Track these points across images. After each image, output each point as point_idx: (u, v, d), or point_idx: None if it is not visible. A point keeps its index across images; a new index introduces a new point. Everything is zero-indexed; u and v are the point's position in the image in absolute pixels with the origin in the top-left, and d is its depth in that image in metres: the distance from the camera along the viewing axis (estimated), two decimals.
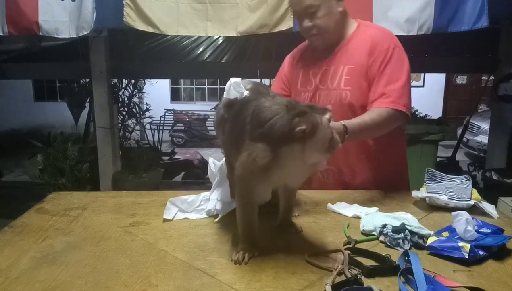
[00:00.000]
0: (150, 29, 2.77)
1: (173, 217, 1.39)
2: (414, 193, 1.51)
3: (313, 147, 1.02)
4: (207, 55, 4.80)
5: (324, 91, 1.57)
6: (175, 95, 11.30)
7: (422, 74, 10.38)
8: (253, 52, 4.73)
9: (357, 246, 1.17)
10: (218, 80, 10.80)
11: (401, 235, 1.18)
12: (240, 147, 1.10)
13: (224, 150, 1.33)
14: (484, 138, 6.25)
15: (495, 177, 3.54)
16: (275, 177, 1.08)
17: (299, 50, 1.71)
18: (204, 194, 1.47)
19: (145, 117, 5.87)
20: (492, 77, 4.23)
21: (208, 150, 8.53)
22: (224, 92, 1.24)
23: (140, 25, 2.75)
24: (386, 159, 1.62)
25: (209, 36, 4.25)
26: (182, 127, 10.05)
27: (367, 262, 1.06)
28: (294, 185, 1.22)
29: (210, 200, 1.42)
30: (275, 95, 1.17)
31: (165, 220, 1.37)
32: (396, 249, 1.15)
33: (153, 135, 6.60)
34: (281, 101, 1.09)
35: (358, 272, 1.00)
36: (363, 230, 1.27)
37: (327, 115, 1.04)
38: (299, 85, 1.61)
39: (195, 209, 1.44)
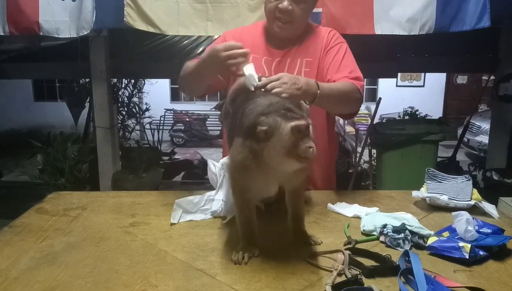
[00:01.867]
0: (151, 29, 2.77)
1: (178, 221, 1.37)
2: (415, 193, 1.51)
3: (271, 149, 1.00)
4: None
5: None
6: (175, 95, 11.29)
7: (423, 74, 10.37)
8: None
9: (358, 246, 1.17)
10: None
11: (402, 235, 1.18)
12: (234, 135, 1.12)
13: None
14: (484, 138, 6.24)
15: (495, 177, 3.54)
16: (255, 174, 1.06)
17: (244, 31, 1.67)
18: (209, 194, 1.45)
19: (145, 117, 5.87)
20: (492, 77, 4.23)
21: (208, 149, 8.52)
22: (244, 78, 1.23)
23: (141, 25, 2.75)
24: (319, 162, 1.58)
25: (209, 36, 4.24)
26: (182, 127, 10.05)
27: (368, 262, 1.06)
28: (287, 185, 1.18)
29: (215, 200, 1.41)
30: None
31: (172, 224, 1.35)
32: (397, 249, 1.15)
33: (153, 135, 6.60)
34: (272, 100, 1.07)
35: (358, 272, 1.00)
36: (364, 230, 1.27)
37: (293, 123, 0.98)
38: None
39: (199, 208, 1.43)
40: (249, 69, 1.24)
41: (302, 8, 1.49)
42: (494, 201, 1.52)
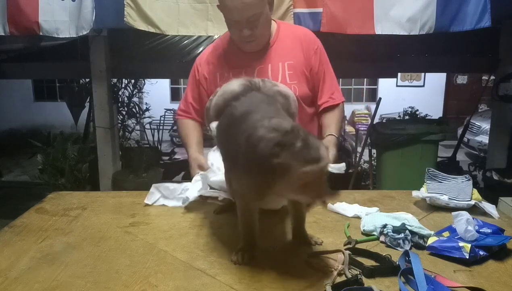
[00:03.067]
0: (151, 29, 2.77)
1: (154, 203, 1.50)
2: (415, 193, 1.51)
3: (283, 184, 0.91)
4: None
5: None
6: (175, 95, 11.27)
7: (423, 74, 10.37)
8: None
9: (358, 246, 1.17)
10: None
11: (402, 235, 1.18)
12: (234, 166, 1.05)
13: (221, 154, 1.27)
14: (484, 138, 6.24)
15: (495, 177, 3.54)
16: (270, 201, 1.07)
17: (215, 50, 1.66)
18: (186, 184, 1.51)
19: (145, 117, 5.87)
20: (492, 77, 4.23)
21: (208, 149, 8.49)
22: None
23: (141, 25, 2.75)
24: None
25: (209, 36, 4.24)
26: None
27: (368, 262, 1.06)
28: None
29: (189, 190, 1.45)
30: (270, 105, 1.13)
31: (146, 205, 1.48)
32: (397, 249, 1.15)
33: (153, 135, 6.61)
34: (278, 127, 0.94)
35: (358, 272, 1.00)
36: (364, 230, 1.27)
37: (321, 157, 0.89)
38: None
39: (175, 196, 1.50)
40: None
41: (260, 24, 1.48)
42: (494, 201, 1.52)
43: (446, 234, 1.20)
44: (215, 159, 1.42)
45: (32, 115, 10.41)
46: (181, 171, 5.85)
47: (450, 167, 4.21)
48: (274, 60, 1.56)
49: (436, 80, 10.44)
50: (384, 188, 3.77)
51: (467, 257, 1.07)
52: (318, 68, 1.60)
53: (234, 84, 1.22)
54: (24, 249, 1.18)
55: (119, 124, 4.78)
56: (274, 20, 1.66)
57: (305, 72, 1.58)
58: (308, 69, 1.58)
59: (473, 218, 1.19)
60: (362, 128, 7.70)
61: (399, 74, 8.51)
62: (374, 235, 1.24)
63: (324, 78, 1.62)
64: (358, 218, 1.37)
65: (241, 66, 1.57)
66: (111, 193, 1.79)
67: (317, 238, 1.21)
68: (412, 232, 1.19)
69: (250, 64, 1.57)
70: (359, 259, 1.07)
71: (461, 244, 1.10)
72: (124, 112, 5.06)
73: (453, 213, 1.22)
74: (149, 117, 6.20)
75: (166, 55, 4.61)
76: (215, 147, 1.41)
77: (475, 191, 1.48)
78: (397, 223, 1.22)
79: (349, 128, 7.91)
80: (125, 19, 2.71)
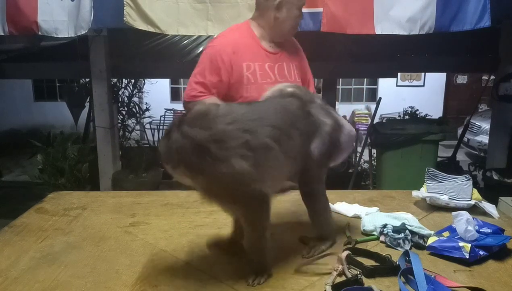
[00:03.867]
0: (151, 29, 2.77)
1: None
2: (415, 193, 1.51)
3: None
4: None
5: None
6: (175, 95, 11.25)
7: (423, 74, 10.37)
8: None
9: (358, 246, 1.17)
10: None
11: (402, 235, 1.18)
12: None
13: None
14: (484, 138, 6.23)
15: (495, 177, 3.53)
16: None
17: (235, 40, 1.66)
18: None
19: (145, 117, 5.86)
20: (492, 77, 4.23)
21: None
22: None
23: (141, 25, 2.75)
24: None
25: (209, 36, 4.24)
26: None
27: (368, 262, 1.06)
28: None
29: None
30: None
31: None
32: (397, 249, 1.15)
33: (153, 135, 6.60)
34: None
35: (358, 272, 1.00)
36: (364, 230, 1.27)
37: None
38: (259, 79, 1.61)
39: None
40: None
41: None
42: (494, 201, 1.53)
43: (446, 234, 1.20)
44: None
45: (32, 115, 10.39)
46: None
47: (450, 167, 4.21)
48: (287, 60, 1.66)
49: (436, 80, 10.43)
50: (384, 188, 3.76)
51: (467, 257, 1.07)
52: (304, 65, 1.73)
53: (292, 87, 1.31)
54: (24, 249, 1.18)
55: (119, 124, 4.77)
56: None
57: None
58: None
59: (473, 218, 1.19)
60: (362, 128, 7.68)
61: (399, 74, 8.50)
62: (374, 235, 1.24)
63: (307, 73, 1.75)
64: (358, 218, 1.37)
65: (263, 60, 1.63)
66: (111, 193, 1.79)
67: (309, 250, 1.15)
68: (412, 232, 1.19)
69: (270, 60, 1.63)
70: (359, 259, 1.07)
71: (461, 244, 1.10)
72: (124, 112, 5.05)
73: (453, 213, 1.22)
74: (149, 117, 6.19)
75: (166, 55, 4.61)
76: None
77: (475, 191, 1.48)
78: (397, 223, 1.22)
79: None
80: (124, 18, 2.71)
